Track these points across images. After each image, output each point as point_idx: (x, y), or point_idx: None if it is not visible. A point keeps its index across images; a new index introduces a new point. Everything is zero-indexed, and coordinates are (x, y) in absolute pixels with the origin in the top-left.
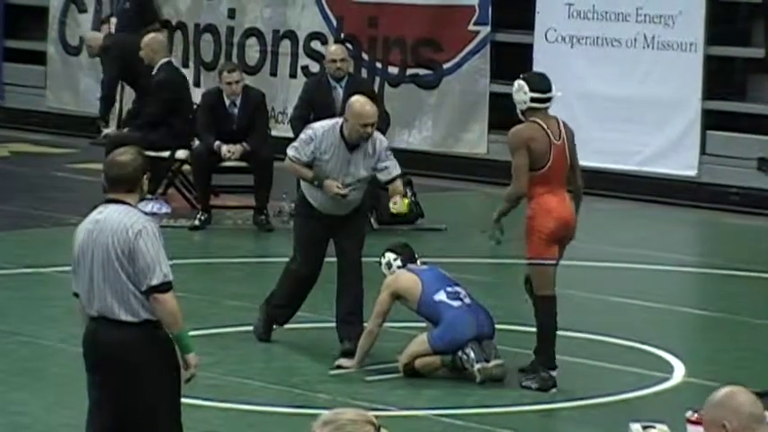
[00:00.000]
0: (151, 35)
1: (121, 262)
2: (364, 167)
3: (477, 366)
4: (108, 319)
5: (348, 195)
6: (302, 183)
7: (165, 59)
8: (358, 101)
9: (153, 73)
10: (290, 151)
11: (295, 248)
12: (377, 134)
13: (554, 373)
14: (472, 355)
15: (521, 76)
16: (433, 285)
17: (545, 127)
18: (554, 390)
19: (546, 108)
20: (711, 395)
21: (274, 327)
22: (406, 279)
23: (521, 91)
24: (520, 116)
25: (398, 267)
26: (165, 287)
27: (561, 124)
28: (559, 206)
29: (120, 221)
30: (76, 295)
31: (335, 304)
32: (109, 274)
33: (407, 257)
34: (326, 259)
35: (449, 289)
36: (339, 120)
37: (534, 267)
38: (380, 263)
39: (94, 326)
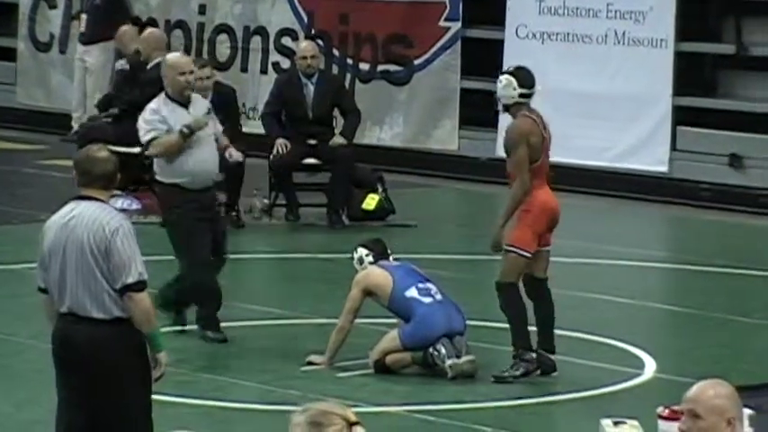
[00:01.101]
0: (149, 30)
1: (96, 259)
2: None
3: (448, 362)
4: (78, 316)
5: (208, 124)
6: (165, 167)
7: (161, 57)
8: (170, 55)
9: (148, 68)
10: (147, 137)
11: (181, 252)
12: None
13: (534, 355)
14: (443, 351)
15: (506, 70)
16: (404, 281)
17: (538, 121)
18: (554, 373)
19: (529, 102)
20: (712, 388)
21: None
22: (377, 275)
23: (509, 86)
24: (502, 111)
25: (370, 263)
26: (139, 286)
27: (542, 117)
28: (551, 199)
29: (96, 218)
30: (42, 290)
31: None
32: (83, 270)
33: (379, 253)
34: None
35: (420, 285)
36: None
37: (514, 255)
38: (352, 258)
39: (64, 322)
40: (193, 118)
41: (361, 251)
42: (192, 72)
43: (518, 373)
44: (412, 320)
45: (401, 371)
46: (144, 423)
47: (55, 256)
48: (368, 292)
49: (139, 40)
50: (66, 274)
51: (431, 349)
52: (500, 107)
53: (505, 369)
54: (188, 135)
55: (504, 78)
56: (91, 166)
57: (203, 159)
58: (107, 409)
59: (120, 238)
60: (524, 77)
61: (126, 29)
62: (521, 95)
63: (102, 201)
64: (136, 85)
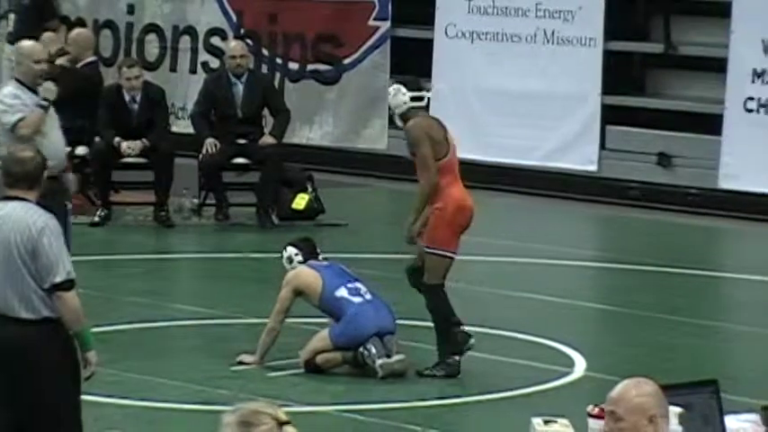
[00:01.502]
0: (77, 31)
1: (24, 259)
2: None
3: (378, 362)
4: (6, 317)
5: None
6: None
7: (90, 58)
8: (25, 42)
9: (78, 67)
10: (14, 118)
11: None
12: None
13: (458, 359)
14: (374, 350)
15: (392, 83)
16: (333, 281)
17: (435, 119)
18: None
19: (423, 107)
20: (634, 387)
21: None
22: (306, 275)
23: (399, 94)
24: (398, 122)
25: (299, 262)
26: (67, 285)
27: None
28: (466, 196)
29: (23, 218)
30: None
31: None
32: (10, 270)
33: (309, 252)
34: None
35: (349, 285)
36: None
37: (437, 257)
38: (282, 257)
39: None
40: (43, 88)
41: (291, 250)
42: (45, 61)
43: (439, 374)
44: (342, 320)
45: (332, 370)
46: (73, 423)
47: None
48: (298, 292)
49: (69, 41)
50: None
51: (361, 349)
52: (398, 122)
53: (428, 368)
54: (47, 107)
55: (391, 88)
56: (14, 167)
57: (57, 141)
58: (36, 409)
59: (47, 238)
60: (412, 82)
61: (80, 31)
62: (412, 99)
63: (28, 201)
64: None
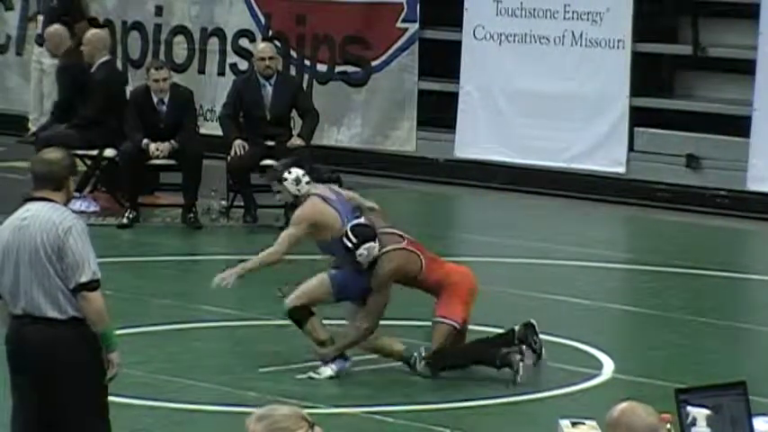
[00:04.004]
0: (92, 31)
1: (50, 258)
2: None
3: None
4: (34, 317)
5: None
6: None
7: (105, 57)
8: None
9: (92, 71)
10: None
11: None
12: None
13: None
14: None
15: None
16: (349, 218)
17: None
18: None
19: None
20: (609, 413)
21: None
22: (329, 212)
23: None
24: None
25: (307, 183)
26: (93, 285)
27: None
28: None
29: (49, 218)
30: None
31: None
32: (37, 270)
33: (314, 176)
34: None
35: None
36: None
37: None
38: (282, 180)
39: (19, 324)
40: None
41: (297, 171)
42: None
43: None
44: (347, 269)
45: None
46: (101, 423)
47: (8, 259)
48: (313, 229)
49: (84, 42)
50: (20, 275)
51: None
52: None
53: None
54: None
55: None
56: (41, 168)
57: None
58: (64, 410)
59: (74, 238)
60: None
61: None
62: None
63: (54, 201)
64: (81, 89)
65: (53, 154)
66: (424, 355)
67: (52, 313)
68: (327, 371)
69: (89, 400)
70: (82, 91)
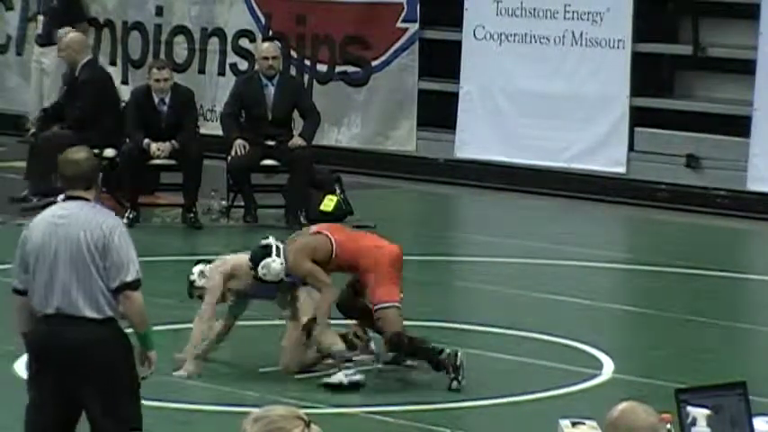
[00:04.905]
0: (71, 35)
1: (93, 257)
2: None
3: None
4: (69, 316)
5: None
6: None
7: (86, 58)
8: None
9: (76, 74)
10: None
11: None
12: None
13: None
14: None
15: (259, 261)
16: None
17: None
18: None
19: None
20: (609, 413)
21: None
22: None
23: (276, 262)
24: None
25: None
26: (136, 284)
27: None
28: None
29: (93, 217)
30: (18, 292)
31: None
32: (78, 270)
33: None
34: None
35: None
36: None
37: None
38: (192, 285)
39: (52, 323)
40: None
41: (198, 267)
42: None
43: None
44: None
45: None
46: (129, 420)
47: (43, 257)
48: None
49: (62, 46)
50: (56, 274)
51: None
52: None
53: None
54: None
55: (270, 262)
56: (71, 169)
57: None
58: (93, 409)
59: (118, 237)
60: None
61: (69, 40)
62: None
63: (88, 200)
64: (69, 92)
65: (79, 153)
66: (384, 340)
67: (90, 313)
68: (341, 376)
69: (121, 398)
70: (68, 94)
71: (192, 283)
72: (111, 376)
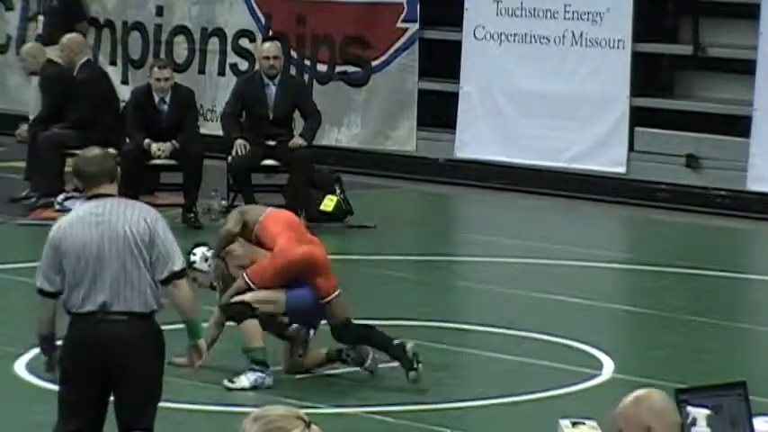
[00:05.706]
0: (68, 36)
1: (141, 251)
2: None
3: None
4: (115, 312)
5: None
6: None
7: (84, 58)
8: None
9: (74, 74)
10: None
11: None
12: None
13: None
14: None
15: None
16: None
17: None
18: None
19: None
20: (622, 402)
21: None
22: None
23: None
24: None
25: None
26: (183, 272)
27: None
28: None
29: (133, 212)
30: (50, 295)
31: None
32: (126, 265)
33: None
34: None
35: None
36: None
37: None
38: (190, 266)
39: (95, 320)
40: None
41: (200, 250)
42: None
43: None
44: (304, 287)
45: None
46: (153, 414)
47: (84, 255)
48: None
49: (60, 47)
50: (102, 271)
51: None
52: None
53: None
54: None
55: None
56: (92, 168)
57: None
58: (132, 401)
59: (162, 228)
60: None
61: (67, 41)
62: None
63: (116, 195)
64: (67, 94)
65: (95, 151)
66: (331, 325)
67: (138, 307)
68: (243, 381)
69: (153, 391)
70: (68, 95)
71: (191, 264)
72: (149, 369)
